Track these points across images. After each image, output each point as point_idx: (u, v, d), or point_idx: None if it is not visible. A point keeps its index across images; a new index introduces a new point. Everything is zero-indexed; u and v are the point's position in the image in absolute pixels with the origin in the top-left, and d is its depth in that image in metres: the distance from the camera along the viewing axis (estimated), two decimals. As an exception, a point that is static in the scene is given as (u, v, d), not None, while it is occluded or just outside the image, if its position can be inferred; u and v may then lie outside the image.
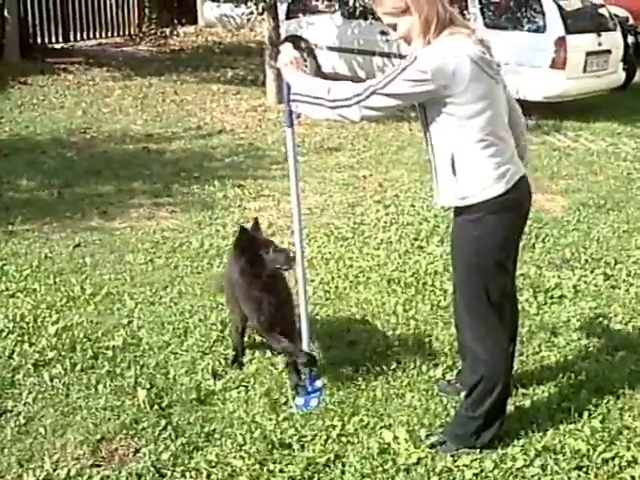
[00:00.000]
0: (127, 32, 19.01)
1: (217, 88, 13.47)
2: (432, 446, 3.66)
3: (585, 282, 5.66)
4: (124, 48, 17.68)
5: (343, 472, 3.51)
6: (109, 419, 3.88)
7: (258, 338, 4.60)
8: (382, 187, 8.11)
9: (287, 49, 3.75)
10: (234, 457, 3.60)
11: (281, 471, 3.50)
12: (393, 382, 4.25)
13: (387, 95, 3.29)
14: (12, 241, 6.31)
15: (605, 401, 4.06)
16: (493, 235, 3.42)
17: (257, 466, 3.54)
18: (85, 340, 4.67)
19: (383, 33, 11.74)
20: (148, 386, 4.16)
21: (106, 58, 15.85)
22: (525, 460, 3.57)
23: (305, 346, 4.12)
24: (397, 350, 4.61)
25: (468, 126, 3.30)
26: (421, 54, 3.26)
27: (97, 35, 18.40)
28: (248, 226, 4.16)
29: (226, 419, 3.91)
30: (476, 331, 3.57)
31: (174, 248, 6.27)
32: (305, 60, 13.39)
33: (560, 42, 11.00)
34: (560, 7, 11.24)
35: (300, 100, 3.53)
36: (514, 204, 3.43)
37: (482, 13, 11.62)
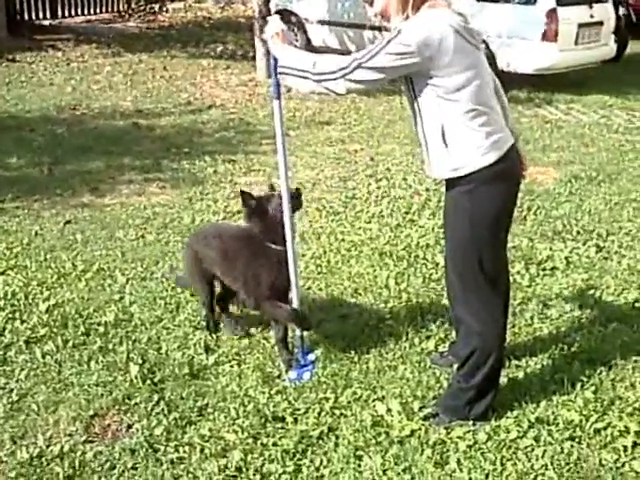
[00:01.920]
0: (116, 8, 18.92)
1: (207, 63, 13.42)
2: (425, 418, 3.67)
3: (577, 254, 5.67)
4: (113, 25, 17.57)
5: (336, 445, 3.51)
6: (102, 395, 3.87)
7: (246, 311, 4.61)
8: (373, 161, 8.09)
9: (274, 21, 3.72)
10: (227, 431, 3.59)
11: (274, 444, 3.50)
12: (386, 355, 4.25)
13: (372, 69, 3.27)
14: (2, 219, 6.27)
15: (597, 372, 4.07)
16: (487, 206, 3.39)
17: (250, 440, 3.54)
18: (77, 316, 4.65)
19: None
20: (140, 361, 4.15)
21: (95, 35, 15.75)
22: (518, 431, 3.58)
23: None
24: (389, 323, 4.61)
25: (457, 97, 3.26)
26: (405, 27, 3.23)
27: (85, 12, 18.29)
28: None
29: (219, 393, 3.90)
30: (470, 304, 3.56)
31: (165, 224, 6.25)
32: (295, 34, 13.35)
33: (551, 14, 10.95)
34: (551, -22, 11.19)
35: (286, 73, 3.52)
36: (506, 173, 3.41)
37: (473, -15, 11.53)
